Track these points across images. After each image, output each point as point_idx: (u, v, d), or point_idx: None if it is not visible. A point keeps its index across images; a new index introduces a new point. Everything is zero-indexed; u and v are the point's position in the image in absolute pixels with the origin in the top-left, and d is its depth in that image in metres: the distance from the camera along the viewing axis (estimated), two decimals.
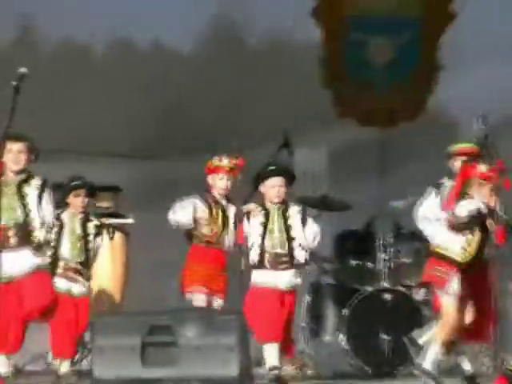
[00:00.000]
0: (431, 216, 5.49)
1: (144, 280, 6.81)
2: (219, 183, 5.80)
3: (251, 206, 5.75)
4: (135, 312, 5.63)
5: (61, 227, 5.77)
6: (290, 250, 5.63)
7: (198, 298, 5.82)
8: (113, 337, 4.92)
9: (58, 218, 5.77)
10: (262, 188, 5.62)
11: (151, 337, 4.86)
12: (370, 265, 6.56)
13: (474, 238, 5.31)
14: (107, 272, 6.62)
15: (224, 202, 5.85)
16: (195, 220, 5.80)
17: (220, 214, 5.84)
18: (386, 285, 6.47)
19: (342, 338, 6.41)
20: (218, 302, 5.88)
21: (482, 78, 7.21)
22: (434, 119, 7.60)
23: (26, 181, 5.43)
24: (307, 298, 6.49)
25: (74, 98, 7.36)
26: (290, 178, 5.78)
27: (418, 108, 7.68)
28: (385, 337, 6.33)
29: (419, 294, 6.27)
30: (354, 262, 6.60)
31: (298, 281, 5.76)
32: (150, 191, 7.34)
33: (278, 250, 5.67)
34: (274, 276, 5.57)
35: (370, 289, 6.42)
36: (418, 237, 6.33)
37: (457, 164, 5.72)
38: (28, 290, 5.30)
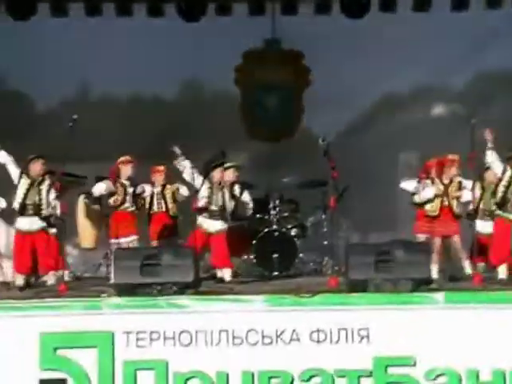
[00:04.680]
0: None
1: None
2: None
3: None
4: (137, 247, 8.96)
5: None
6: None
7: None
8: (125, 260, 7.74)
9: None
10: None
11: (146, 261, 7.53)
12: None
13: None
14: None
15: None
16: None
17: None
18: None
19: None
20: None
21: (324, 120, 11.21)
22: (303, 137, 11.79)
23: None
24: None
25: None
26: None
27: (293, 132, 12.11)
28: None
29: None
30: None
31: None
32: None
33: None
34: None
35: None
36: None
37: None
38: None
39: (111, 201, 9.14)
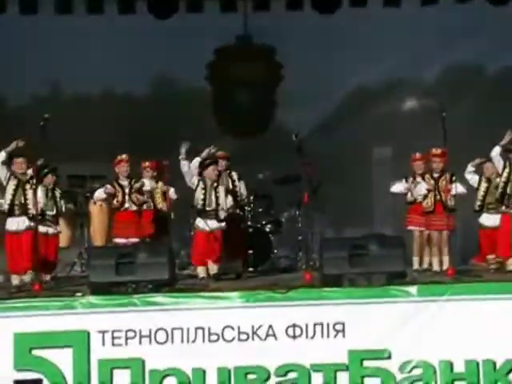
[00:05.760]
0: None
1: None
2: None
3: None
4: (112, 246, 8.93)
5: None
6: None
7: None
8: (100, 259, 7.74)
9: None
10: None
11: (120, 259, 7.50)
12: None
13: None
14: None
15: None
16: None
17: None
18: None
19: None
20: None
21: (297, 115, 11.29)
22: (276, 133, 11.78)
23: None
24: None
25: None
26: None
27: (266, 127, 12.15)
28: None
29: None
30: None
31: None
32: None
33: None
34: None
35: None
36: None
37: None
38: None
39: (114, 202, 9.10)
